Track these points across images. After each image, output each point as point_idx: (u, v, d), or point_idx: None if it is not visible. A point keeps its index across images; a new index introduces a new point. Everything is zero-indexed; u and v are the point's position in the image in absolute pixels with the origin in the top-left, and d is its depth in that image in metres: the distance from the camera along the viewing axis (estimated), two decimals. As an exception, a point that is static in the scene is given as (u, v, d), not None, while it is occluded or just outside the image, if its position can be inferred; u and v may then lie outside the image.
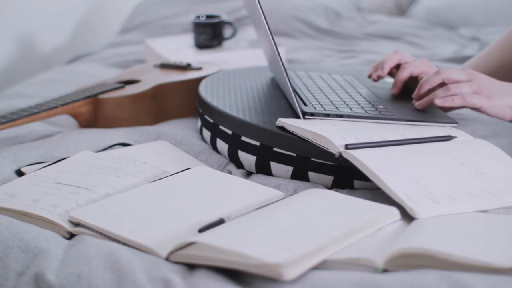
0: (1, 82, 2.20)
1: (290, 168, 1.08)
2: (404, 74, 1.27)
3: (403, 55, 1.29)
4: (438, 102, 1.14)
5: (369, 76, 1.32)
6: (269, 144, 1.10)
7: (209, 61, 1.64)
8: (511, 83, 1.17)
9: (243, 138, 1.13)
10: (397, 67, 1.31)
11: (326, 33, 2.24)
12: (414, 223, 0.89)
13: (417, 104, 1.19)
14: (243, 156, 1.14)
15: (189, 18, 1.96)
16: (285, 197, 0.97)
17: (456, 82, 1.14)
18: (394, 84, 1.28)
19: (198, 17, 1.86)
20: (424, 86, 1.18)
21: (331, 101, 1.21)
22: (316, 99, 1.22)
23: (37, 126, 1.35)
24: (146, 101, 1.37)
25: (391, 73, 1.33)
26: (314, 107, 1.16)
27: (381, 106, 1.20)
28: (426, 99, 1.17)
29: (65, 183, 1.03)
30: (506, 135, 1.23)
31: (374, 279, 0.77)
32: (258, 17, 1.19)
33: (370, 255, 0.81)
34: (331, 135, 1.02)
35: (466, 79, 1.14)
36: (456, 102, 1.13)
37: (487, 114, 1.14)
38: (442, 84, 1.16)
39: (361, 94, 1.28)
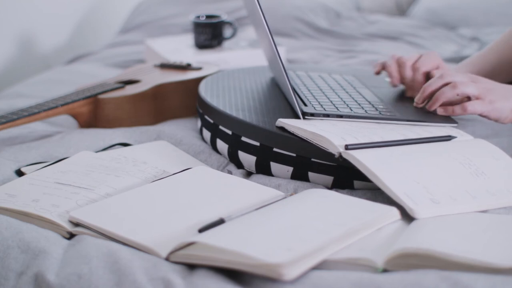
0: (1, 82, 2.20)
1: (290, 168, 1.08)
2: (419, 76, 1.28)
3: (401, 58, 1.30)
4: (440, 111, 1.15)
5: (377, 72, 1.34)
6: (269, 144, 1.10)
7: (209, 61, 1.64)
8: None
9: (243, 138, 1.13)
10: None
11: (326, 33, 2.24)
12: (414, 223, 0.89)
13: (427, 106, 1.17)
14: (243, 156, 1.14)
15: (189, 18, 1.96)
16: (285, 197, 0.97)
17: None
18: (391, 76, 1.29)
19: (198, 17, 1.86)
20: (427, 90, 1.17)
21: (331, 101, 1.21)
22: (316, 99, 1.22)
23: (37, 126, 1.35)
24: (146, 101, 1.37)
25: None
26: (314, 107, 1.16)
27: (381, 106, 1.20)
28: (434, 98, 1.15)
29: (65, 183, 1.03)
30: (506, 135, 1.23)
31: (374, 279, 0.77)
32: (257, 17, 1.19)
33: (370, 255, 0.81)
34: (331, 135, 1.02)
35: (470, 81, 1.14)
36: (456, 112, 1.13)
37: (488, 118, 1.14)
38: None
39: (361, 94, 1.28)
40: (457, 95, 1.13)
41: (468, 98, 1.14)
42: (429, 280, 0.76)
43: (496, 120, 1.14)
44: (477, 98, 1.13)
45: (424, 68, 1.27)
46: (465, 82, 1.13)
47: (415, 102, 1.20)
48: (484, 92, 1.13)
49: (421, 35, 2.20)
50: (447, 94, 1.13)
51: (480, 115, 1.13)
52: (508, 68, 1.35)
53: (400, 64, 1.29)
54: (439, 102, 1.15)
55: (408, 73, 1.28)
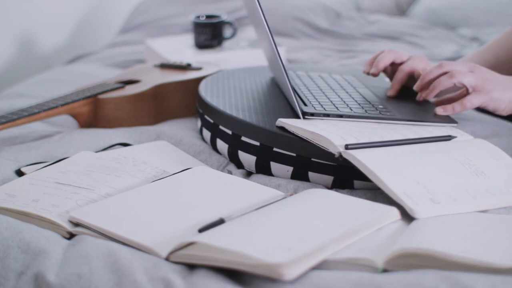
0: (1, 82, 2.20)
1: (290, 168, 1.08)
2: (401, 76, 1.26)
3: (397, 54, 1.29)
4: (439, 111, 1.15)
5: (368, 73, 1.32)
6: (269, 144, 1.10)
7: (209, 61, 1.64)
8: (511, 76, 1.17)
9: (243, 138, 1.13)
10: (391, 65, 1.31)
11: (326, 33, 2.24)
12: (414, 223, 0.89)
13: (424, 95, 1.18)
14: (243, 156, 1.14)
15: (189, 18, 1.96)
16: (285, 197, 0.97)
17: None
18: (392, 86, 1.28)
19: (198, 17, 1.86)
20: (426, 78, 1.17)
21: (331, 101, 1.21)
22: (316, 99, 1.22)
23: (37, 126, 1.35)
24: (146, 101, 1.37)
25: (385, 71, 1.32)
26: (314, 107, 1.16)
27: (381, 106, 1.20)
28: (431, 87, 1.16)
29: (65, 183, 1.03)
30: (506, 135, 1.23)
31: (374, 279, 0.77)
32: (258, 17, 1.19)
33: (370, 255, 0.81)
34: (331, 135, 1.02)
35: (468, 71, 1.14)
36: (456, 109, 1.13)
37: (486, 108, 1.14)
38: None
39: (361, 94, 1.28)
40: (454, 84, 1.13)
41: (466, 90, 1.14)
42: (429, 280, 0.76)
43: (494, 111, 1.14)
44: (474, 89, 1.13)
45: (408, 69, 1.26)
46: (463, 71, 1.13)
47: (414, 88, 1.20)
48: (482, 82, 1.12)
49: (421, 35, 2.21)
50: (444, 83, 1.14)
51: (479, 106, 1.13)
52: (505, 68, 1.35)
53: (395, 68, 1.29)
54: (436, 90, 1.15)
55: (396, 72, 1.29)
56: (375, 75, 1.28)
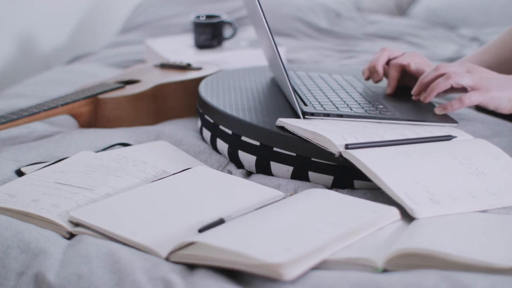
0: (1, 82, 2.20)
1: (290, 168, 1.08)
2: (393, 71, 1.26)
3: (391, 51, 1.29)
4: (438, 111, 1.15)
5: (367, 78, 1.32)
6: (269, 144, 1.10)
7: (209, 61, 1.64)
8: (510, 75, 1.17)
9: (243, 138, 1.13)
10: (387, 63, 1.31)
11: (326, 33, 2.24)
12: (414, 223, 0.89)
13: (422, 98, 1.18)
14: (243, 156, 1.14)
15: (189, 18, 1.96)
16: (285, 197, 0.97)
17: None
18: (388, 84, 1.28)
19: (198, 17, 1.86)
20: (423, 81, 1.18)
21: (331, 101, 1.21)
22: (316, 99, 1.22)
23: (37, 126, 1.35)
24: (146, 101, 1.37)
25: (384, 70, 1.32)
26: (314, 107, 1.16)
27: (381, 106, 1.20)
28: (429, 90, 1.16)
29: (65, 183, 1.03)
30: (506, 135, 1.23)
31: (374, 279, 0.77)
32: (258, 17, 1.19)
33: (370, 255, 0.81)
34: (331, 135, 1.02)
35: (466, 71, 1.14)
36: (455, 106, 1.13)
37: (486, 107, 1.13)
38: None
39: (361, 94, 1.28)
40: (452, 86, 1.13)
41: (465, 90, 1.14)
42: (429, 280, 0.76)
43: (495, 110, 1.14)
44: (472, 89, 1.13)
45: (401, 63, 1.26)
46: (460, 72, 1.13)
47: (412, 93, 1.20)
48: (480, 82, 1.12)
49: (421, 35, 2.21)
50: (442, 85, 1.14)
51: (479, 105, 1.13)
52: (505, 68, 1.34)
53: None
54: (433, 93, 1.15)
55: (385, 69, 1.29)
56: (379, 80, 1.28)
